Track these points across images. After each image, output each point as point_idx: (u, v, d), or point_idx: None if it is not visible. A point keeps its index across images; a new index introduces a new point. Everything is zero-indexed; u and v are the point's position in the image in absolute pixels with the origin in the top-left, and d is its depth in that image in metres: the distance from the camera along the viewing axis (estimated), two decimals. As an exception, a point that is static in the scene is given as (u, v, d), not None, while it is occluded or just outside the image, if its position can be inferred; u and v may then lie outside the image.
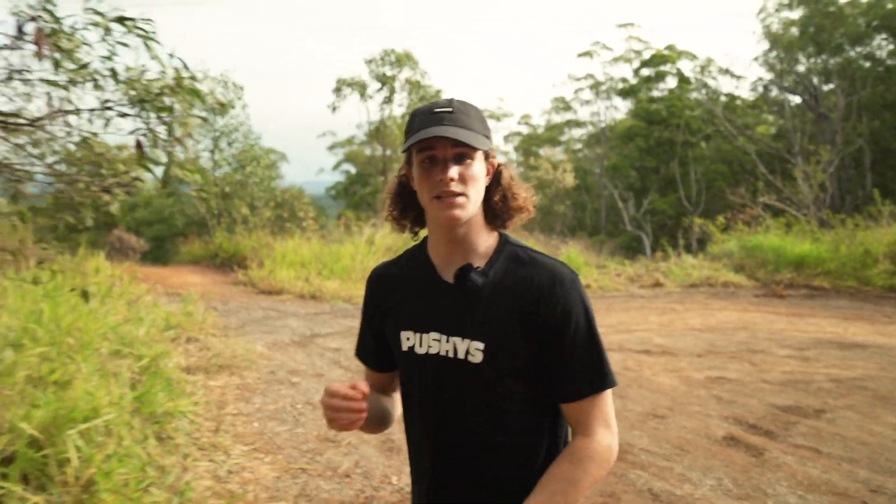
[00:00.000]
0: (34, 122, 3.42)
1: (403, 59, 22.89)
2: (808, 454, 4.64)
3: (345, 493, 3.89)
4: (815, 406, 5.70)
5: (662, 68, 31.85)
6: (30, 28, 2.92)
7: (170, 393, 4.48)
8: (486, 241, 1.52)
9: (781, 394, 6.07)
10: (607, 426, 1.45)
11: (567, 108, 36.76)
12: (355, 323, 8.80)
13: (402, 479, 4.12)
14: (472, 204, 1.44)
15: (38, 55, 2.93)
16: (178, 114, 3.27)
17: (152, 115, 3.46)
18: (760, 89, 29.98)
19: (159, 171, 3.54)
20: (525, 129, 38.68)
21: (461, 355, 1.48)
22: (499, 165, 1.54)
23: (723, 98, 30.41)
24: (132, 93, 3.38)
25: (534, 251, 1.53)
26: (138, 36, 3.25)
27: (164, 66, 3.22)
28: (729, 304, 11.32)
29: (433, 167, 1.43)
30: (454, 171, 1.41)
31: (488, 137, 1.49)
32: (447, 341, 1.50)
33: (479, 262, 1.50)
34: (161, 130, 3.29)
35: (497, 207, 1.52)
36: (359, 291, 10.47)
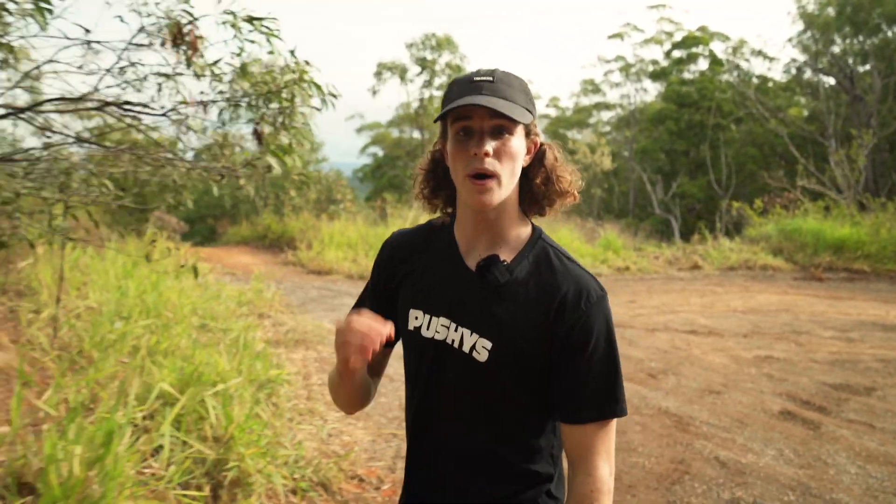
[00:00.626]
0: (166, 113, 3.75)
1: (444, 43, 23.16)
2: (863, 428, 4.89)
3: (436, 455, 4.24)
4: (865, 384, 5.94)
5: (694, 50, 31.71)
6: (182, 30, 3.25)
7: (263, 364, 4.84)
8: (518, 230, 1.41)
9: (830, 373, 6.31)
10: (608, 458, 1.35)
11: (596, 90, 36.71)
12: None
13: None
14: (505, 187, 1.32)
15: (192, 55, 3.26)
16: (296, 104, 3.58)
17: (266, 105, 3.77)
18: (794, 71, 29.75)
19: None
20: (553, 112, 38.63)
21: (466, 349, 1.39)
22: (542, 144, 1.41)
23: (755, 80, 30.22)
24: (249, 85, 3.69)
25: (566, 256, 1.41)
26: (262, 33, 3.56)
27: (286, 60, 3.53)
28: (769, 287, 11.51)
29: (468, 139, 1.31)
30: (490, 146, 1.29)
31: (531, 112, 1.35)
32: (455, 330, 1.40)
33: (507, 255, 1.39)
34: (279, 120, 3.60)
35: (538, 191, 1.40)
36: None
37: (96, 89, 3.61)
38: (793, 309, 9.57)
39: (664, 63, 33.09)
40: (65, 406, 3.13)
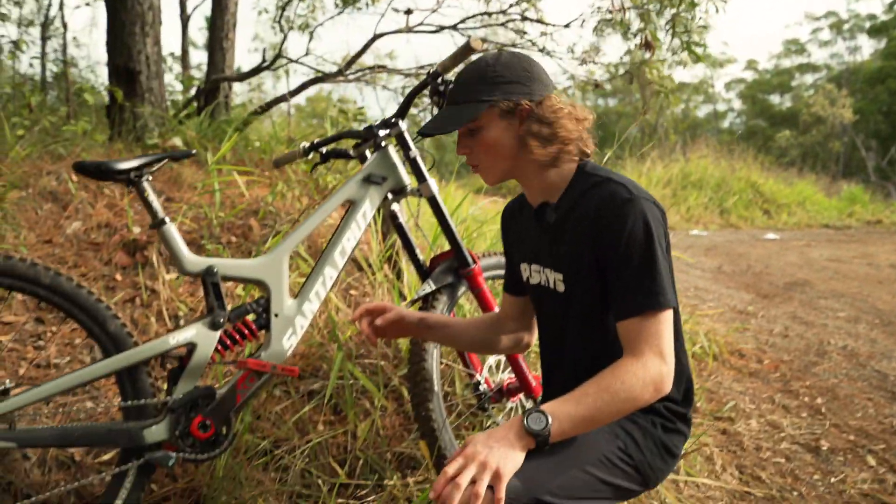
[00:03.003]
0: (569, 24, 4.27)
1: None
2: None
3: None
4: None
5: (923, 0, 28.74)
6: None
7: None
8: (560, 176, 1.53)
9: None
10: (659, 353, 1.34)
11: (801, 50, 34.33)
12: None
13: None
14: (492, 168, 1.52)
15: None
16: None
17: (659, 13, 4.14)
18: None
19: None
20: (750, 76, 36.63)
21: (551, 285, 1.56)
22: (530, 107, 1.47)
23: None
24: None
25: (604, 174, 1.49)
26: None
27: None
28: None
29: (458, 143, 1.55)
30: (463, 147, 1.52)
31: (491, 97, 1.45)
32: (542, 272, 1.60)
33: (556, 196, 1.54)
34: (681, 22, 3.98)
35: (550, 146, 1.48)
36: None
37: (511, 5, 4.17)
38: None
39: (884, 17, 30.26)
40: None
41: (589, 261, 1.44)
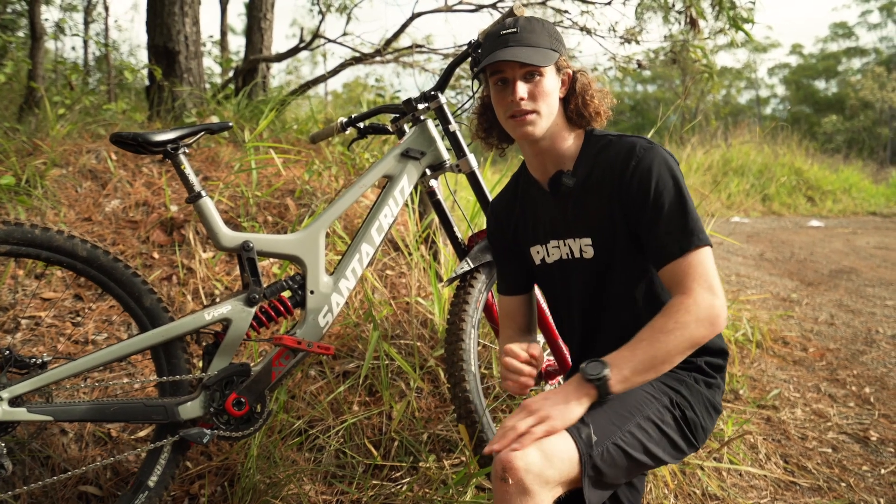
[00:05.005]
0: (610, 1, 4.15)
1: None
2: None
3: None
4: None
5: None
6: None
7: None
8: (574, 143, 1.55)
9: None
10: (708, 287, 1.33)
11: (849, 34, 33.29)
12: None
13: None
14: (544, 118, 1.47)
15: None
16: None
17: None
18: None
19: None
20: (795, 60, 35.65)
21: (577, 254, 1.54)
22: (574, 73, 1.54)
23: None
24: None
25: (615, 133, 1.52)
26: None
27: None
28: None
29: (505, 88, 1.48)
30: (523, 91, 1.45)
31: (557, 50, 1.48)
32: (563, 245, 1.56)
33: (569, 164, 1.54)
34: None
35: (572, 114, 1.53)
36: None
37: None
38: None
39: (938, -2, 29.20)
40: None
41: (618, 217, 1.46)
